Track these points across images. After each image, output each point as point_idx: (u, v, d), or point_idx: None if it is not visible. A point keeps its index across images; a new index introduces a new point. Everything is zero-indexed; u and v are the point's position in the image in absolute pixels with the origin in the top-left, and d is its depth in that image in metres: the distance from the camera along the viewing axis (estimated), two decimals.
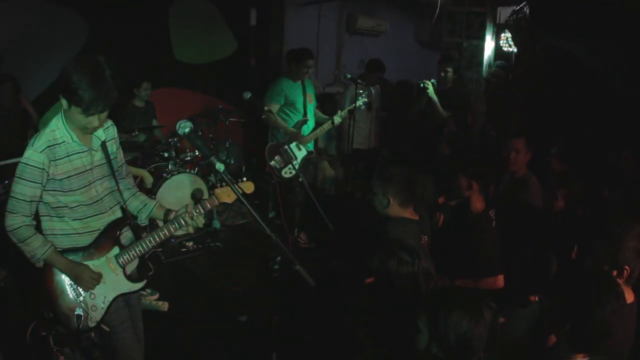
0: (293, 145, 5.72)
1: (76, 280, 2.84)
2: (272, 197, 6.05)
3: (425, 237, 3.68)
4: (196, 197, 5.71)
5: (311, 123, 6.00)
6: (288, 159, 5.61)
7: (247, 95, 4.54)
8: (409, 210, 3.63)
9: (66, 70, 2.54)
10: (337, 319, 4.03)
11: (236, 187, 2.51)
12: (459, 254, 3.72)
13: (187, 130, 2.52)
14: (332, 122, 5.84)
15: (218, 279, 5.26)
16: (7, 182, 4.73)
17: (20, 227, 2.69)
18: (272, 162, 5.59)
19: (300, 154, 5.78)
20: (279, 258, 2.46)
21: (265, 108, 5.26)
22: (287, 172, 5.60)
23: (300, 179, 4.02)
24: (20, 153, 5.52)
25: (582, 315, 2.08)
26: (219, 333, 4.33)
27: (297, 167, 5.63)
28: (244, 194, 2.54)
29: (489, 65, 7.31)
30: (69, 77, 2.51)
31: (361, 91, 5.95)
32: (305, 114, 5.90)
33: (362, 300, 3.59)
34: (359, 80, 5.59)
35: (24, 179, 2.67)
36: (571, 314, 2.13)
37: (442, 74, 6.37)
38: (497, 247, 3.77)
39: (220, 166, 2.40)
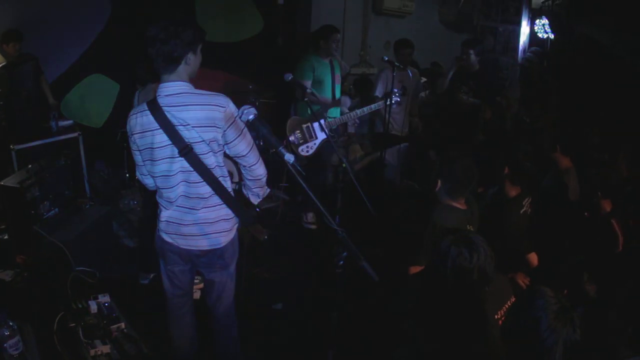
0: (316, 125, 5.48)
1: None
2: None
3: (471, 227, 3.63)
4: None
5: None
6: (308, 137, 5.46)
7: (289, 77, 4.44)
8: (460, 201, 3.59)
9: None
10: (384, 308, 3.97)
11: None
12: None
13: (251, 117, 2.33)
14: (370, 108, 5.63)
15: (250, 265, 4.92)
16: (30, 166, 4.43)
17: None
18: (292, 137, 5.43)
19: (322, 135, 5.54)
20: (345, 254, 2.34)
21: (308, 90, 5.10)
22: (305, 150, 5.44)
23: (343, 165, 3.90)
24: (42, 135, 5.34)
25: None
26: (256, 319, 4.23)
27: (315, 148, 5.49)
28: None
29: (524, 51, 7.18)
30: None
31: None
32: (333, 95, 5.76)
33: (409, 290, 3.56)
34: (396, 63, 5.41)
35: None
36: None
37: (465, 57, 6.23)
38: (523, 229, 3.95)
39: (289, 157, 2.24)
